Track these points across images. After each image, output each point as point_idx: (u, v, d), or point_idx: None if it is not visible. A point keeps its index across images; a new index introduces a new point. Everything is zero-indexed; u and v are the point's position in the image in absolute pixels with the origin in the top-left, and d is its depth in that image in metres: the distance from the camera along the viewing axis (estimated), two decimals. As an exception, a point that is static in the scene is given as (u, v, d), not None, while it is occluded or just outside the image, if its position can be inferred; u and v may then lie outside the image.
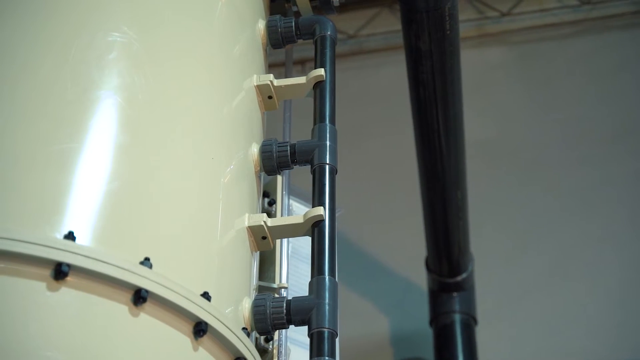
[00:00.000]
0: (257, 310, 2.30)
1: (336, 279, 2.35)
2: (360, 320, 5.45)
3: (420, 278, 5.25)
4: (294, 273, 2.67)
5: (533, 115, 6.06)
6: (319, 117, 2.59)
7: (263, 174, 2.59)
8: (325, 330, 2.26)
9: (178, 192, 2.21)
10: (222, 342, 2.12)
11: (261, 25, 2.74)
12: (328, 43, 2.72)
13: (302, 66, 6.01)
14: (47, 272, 1.91)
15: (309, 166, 2.54)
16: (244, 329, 2.24)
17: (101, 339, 1.93)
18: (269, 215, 2.60)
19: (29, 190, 2.01)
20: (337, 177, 2.53)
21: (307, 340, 2.28)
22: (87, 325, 1.93)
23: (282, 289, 2.58)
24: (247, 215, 2.41)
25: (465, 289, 4.97)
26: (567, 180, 5.74)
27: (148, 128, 2.23)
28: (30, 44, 2.20)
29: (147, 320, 2.00)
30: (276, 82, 2.63)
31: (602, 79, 6.06)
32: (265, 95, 2.63)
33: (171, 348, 2.04)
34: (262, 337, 2.43)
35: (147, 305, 1.99)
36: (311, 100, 2.65)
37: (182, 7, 2.47)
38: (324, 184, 2.47)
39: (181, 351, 2.05)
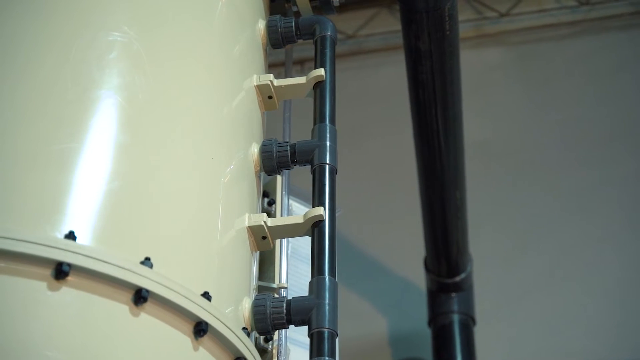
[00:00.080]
0: (257, 310, 2.30)
1: (336, 279, 2.35)
2: (358, 320, 5.44)
3: (418, 278, 5.25)
4: (293, 273, 2.67)
5: (532, 116, 6.06)
6: (319, 117, 2.59)
7: (263, 173, 2.59)
8: (325, 330, 2.26)
9: (178, 191, 2.21)
10: (223, 342, 2.12)
11: (261, 25, 2.75)
12: (328, 43, 2.72)
13: (301, 66, 6.01)
14: (48, 272, 1.91)
15: (309, 166, 2.54)
16: (244, 328, 2.24)
17: (101, 338, 1.93)
18: (269, 215, 2.60)
19: (29, 190, 2.01)
20: (337, 177, 2.53)
21: (307, 340, 2.28)
22: (88, 325, 1.93)
23: (282, 289, 2.58)
24: (247, 215, 2.41)
25: (464, 289, 4.97)
26: (566, 180, 5.75)
27: (148, 128, 2.23)
28: (31, 43, 2.20)
29: (147, 320, 2.00)
30: (276, 82, 2.63)
31: (600, 80, 6.06)
32: (265, 95, 2.63)
33: (171, 348, 2.04)
34: (262, 337, 2.43)
35: (148, 305, 1.99)
36: (311, 100, 2.65)
37: (182, 7, 2.47)
38: (324, 184, 2.47)
39: (181, 351, 2.05)
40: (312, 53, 2.73)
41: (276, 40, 2.76)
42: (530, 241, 5.59)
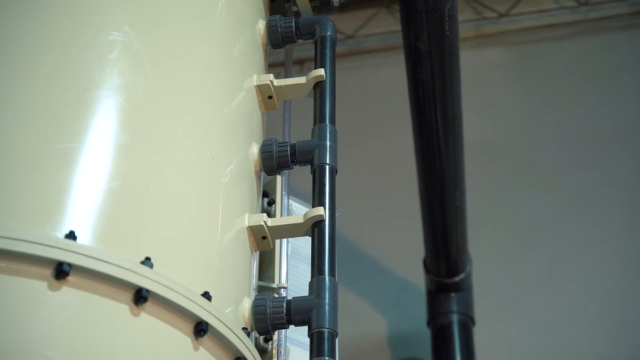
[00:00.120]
0: (257, 310, 2.30)
1: (336, 279, 2.35)
2: (357, 320, 5.44)
3: (418, 278, 5.24)
4: (293, 273, 2.67)
5: (531, 116, 6.06)
6: (319, 117, 2.59)
7: (263, 173, 2.59)
8: (326, 330, 2.26)
9: (179, 191, 2.21)
10: (223, 342, 2.12)
11: (261, 25, 2.75)
12: (328, 43, 2.72)
13: (300, 66, 6.01)
14: (48, 272, 1.91)
15: (309, 166, 2.54)
16: (244, 328, 2.24)
17: (102, 338, 1.94)
18: (269, 215, 2.60)
19: (29, 189, 2.01)
20: (337, 177, 2.53)
21: (307, 340, 2.28)
22: (88, 325, 1.93)
23: (282, 289, 2.58)
24: (247, 215, 2.41)
25: (463, 289, 4.97)
26: (566, 180, 5.74)
27: (149, 127, 2.23)
28: (31, 43, 2.20)
29: (147, 319, 2.00)
30: (276, 82, 2.63)
31: (600, 80, 6.06)
32: (265, 95, 2.64)
33: (171, 348, 2.04)
34: (262, 337, 2.43)
35: (148, 305, 1.99)
36: (311, 100, 2.65)
37: (182, 7, 2.47)
38: (324, 184, 2.48)
39: (181, 351, 2.05)
40: (312, 53, 2.73)
41: (276, 40, 2.76)
42: (530, 241, 5.58)
